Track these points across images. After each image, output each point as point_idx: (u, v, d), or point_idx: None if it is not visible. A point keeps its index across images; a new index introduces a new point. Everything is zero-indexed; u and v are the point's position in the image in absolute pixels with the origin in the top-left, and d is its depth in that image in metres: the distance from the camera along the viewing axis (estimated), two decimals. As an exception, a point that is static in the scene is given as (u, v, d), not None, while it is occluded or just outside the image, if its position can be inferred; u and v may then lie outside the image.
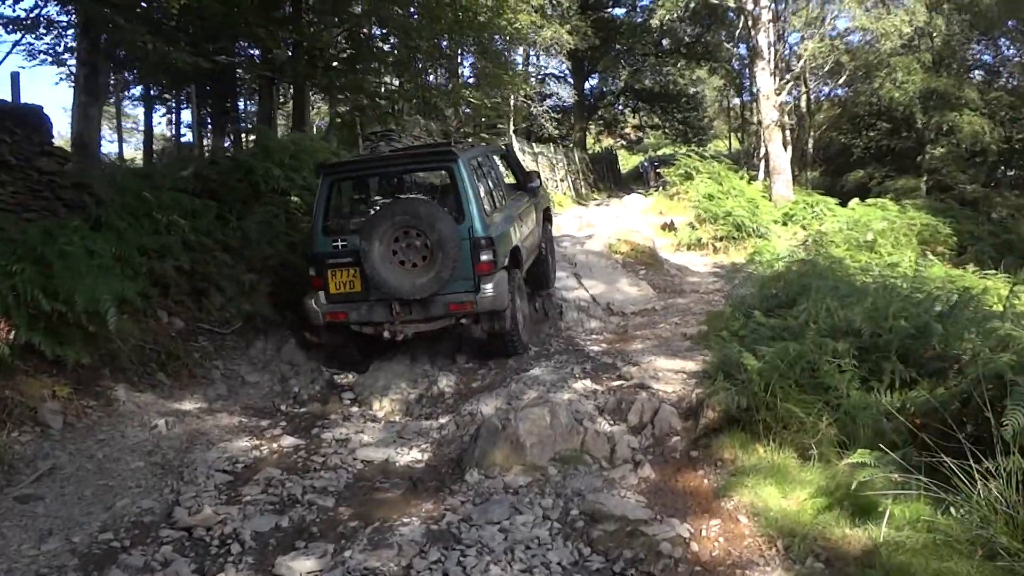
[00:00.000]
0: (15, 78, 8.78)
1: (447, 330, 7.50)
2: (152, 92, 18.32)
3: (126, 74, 18.08)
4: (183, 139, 20.55)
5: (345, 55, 17.20)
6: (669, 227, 15.42)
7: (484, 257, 6.91)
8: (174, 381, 6.55)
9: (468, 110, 21.93)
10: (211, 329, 7.46)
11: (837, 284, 6.42)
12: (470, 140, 15.95)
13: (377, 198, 8.35)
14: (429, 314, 7.05)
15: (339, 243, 7.13)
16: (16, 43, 14.38)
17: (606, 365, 7.00)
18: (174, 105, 18.28)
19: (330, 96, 18.03)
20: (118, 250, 6.30)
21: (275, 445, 5.59)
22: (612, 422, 5.48)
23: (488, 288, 6.91)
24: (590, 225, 15.60)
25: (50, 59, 14.23)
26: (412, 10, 16.89)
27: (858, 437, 4.33)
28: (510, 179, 9.80)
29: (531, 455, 4.89)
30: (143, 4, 11.67)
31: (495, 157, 9.21)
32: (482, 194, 7.41)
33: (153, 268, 6.93)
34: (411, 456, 5.44)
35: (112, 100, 23.05)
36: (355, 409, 6.66)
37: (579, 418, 5.37)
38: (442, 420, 6.19)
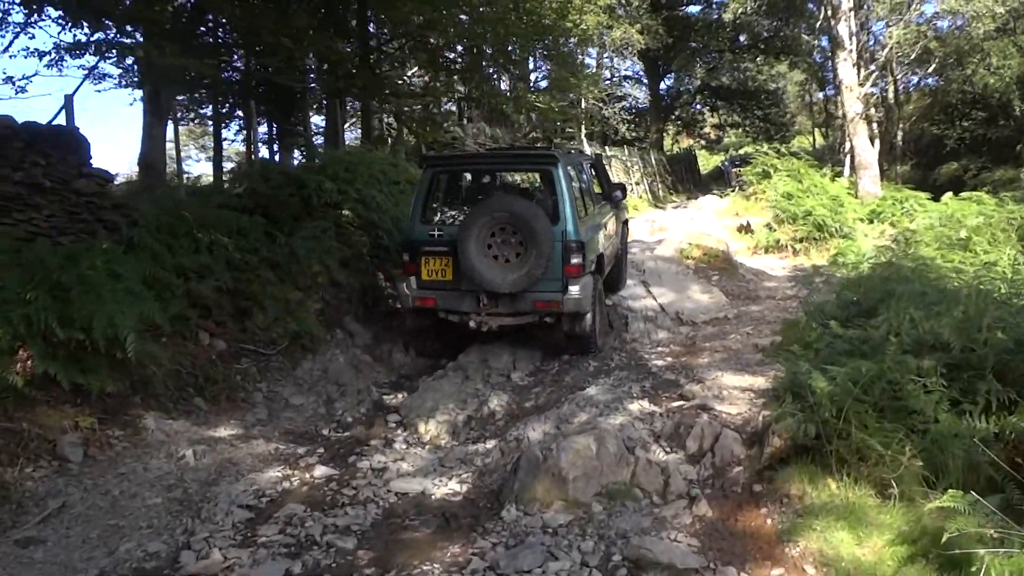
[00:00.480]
0: (67, 101, 8.79)
1: (507, 340, 7.78)
2: (222, 110, 18.49)
3: (196, 93, 18.34)
4: (258, 155, 20.88)
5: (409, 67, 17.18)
6: (745, 229, 14.69)
7: (574, 260, 7.15)
8: (212, 406, 6.30)
9: (536, 115, 21.52)
10: (255, 350, 7.21)
11: (924, 289, 5.74)
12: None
13: (476, 192, 8.59)
14: (516, 309, 7.30)
15: (435, 232, 7.49)
16: (90, 70, 14.70)
17: (668, 382, 6.47)
18: (244, 122, 18.35)
19: (396, 112, 17.84)
20: (151, 272, 6.09)
21: (307, 476, 5.25)
22: (668, 449, 4.97)
23: (575, 290, 7.14)
24: (662, 229, 14.99)
25: (117, 82, 14.42)
26: (471, 17, 16.56)
27: (947, 471, 3.74)
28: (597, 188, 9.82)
29: (574, 489, 4.42)
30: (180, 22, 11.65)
31: (587, 165, 9.49)
32: (576, 198, 7.62)
33: (192, 289, 6.71)
34: (449, 487, 5.03)
35: (190, 119, 23.67)
36: (400, 433, 6.29)
37: (631, 446, 4.87)
38: (488, 445, 5.78)
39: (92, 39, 12.08)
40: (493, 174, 9.05)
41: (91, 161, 6.91)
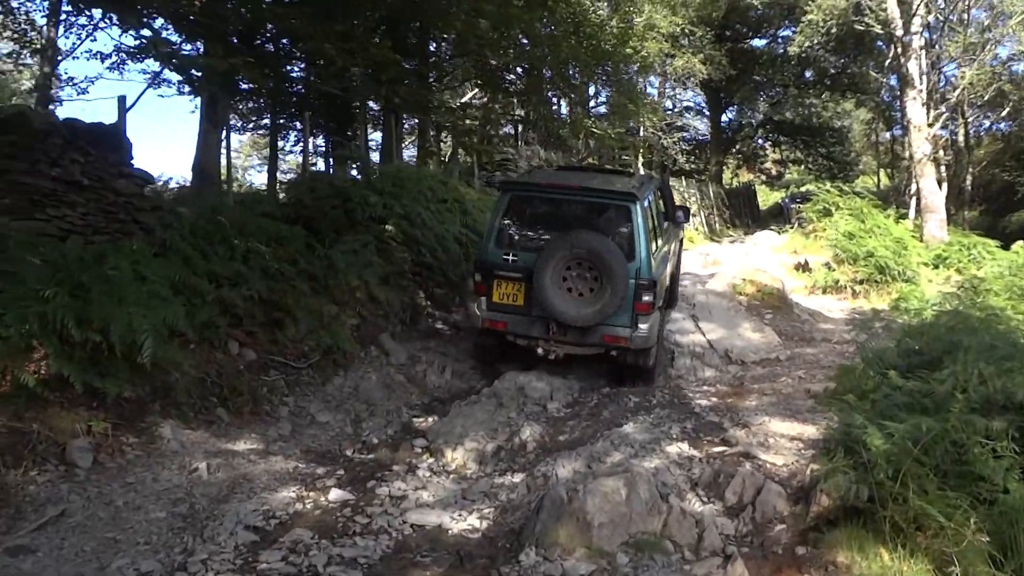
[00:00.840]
0: (121, 102, 8.77)
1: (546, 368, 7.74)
2: (280, 121, 18.58)
3: (254, 103, 18.48)
4: (314, 167, 20.95)
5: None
6: (803, 267, 14.17)
7: (646, 298, 7.21)
8: (234, 418, 6.10)
9: (592, 141, 21.27)
10: (285, 362, 7.01)
11: (994, 342, 5.30)
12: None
13: (552, 219, 8.11)
14: (584, 340, 7.37)
15: (509, 256, 7.52)
16: (155, 76, 14.86)
17: (711, 425, 6.09)
18: (301, 134, 18.40)
19: (453, 129, 17.72)
20: (180, 276, 5.93)
21: (321, 498, 5.00)
22: (705, 499, 4.61)
23: (644, 328, 7.24)
24: (716, 263, 14.58)
25: (178, 88, 14.52)
26: (530, 39, 16.44)
27: (1017, 549, 3.33)
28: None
29: (599, 537, 4.08)
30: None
31: (656, 190, 9.26)
32: (650, 233, 7.64)
33: (223, 296, 6.54)
34: (468, 523, 4.72)
35: (249, 129, 23.91)
36: (425, 459, 6.01)
37: (664, 492, 4.52)
38: (515, 478, 5.46)
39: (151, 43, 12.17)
40: (576, 204, 8.34)
41: (132, 161, 6.83)
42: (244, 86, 14.78)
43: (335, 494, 5.06)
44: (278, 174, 21.23)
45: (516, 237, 7.86)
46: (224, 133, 14.50)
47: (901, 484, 3.66)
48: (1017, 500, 3.54)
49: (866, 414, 4.67)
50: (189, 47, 13.10)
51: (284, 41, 14.10)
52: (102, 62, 14.21)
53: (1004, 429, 3.82)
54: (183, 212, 7.54)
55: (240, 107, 17.57)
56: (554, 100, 24.02)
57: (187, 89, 14.50)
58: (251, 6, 11.62)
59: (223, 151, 14.68)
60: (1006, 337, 5.60)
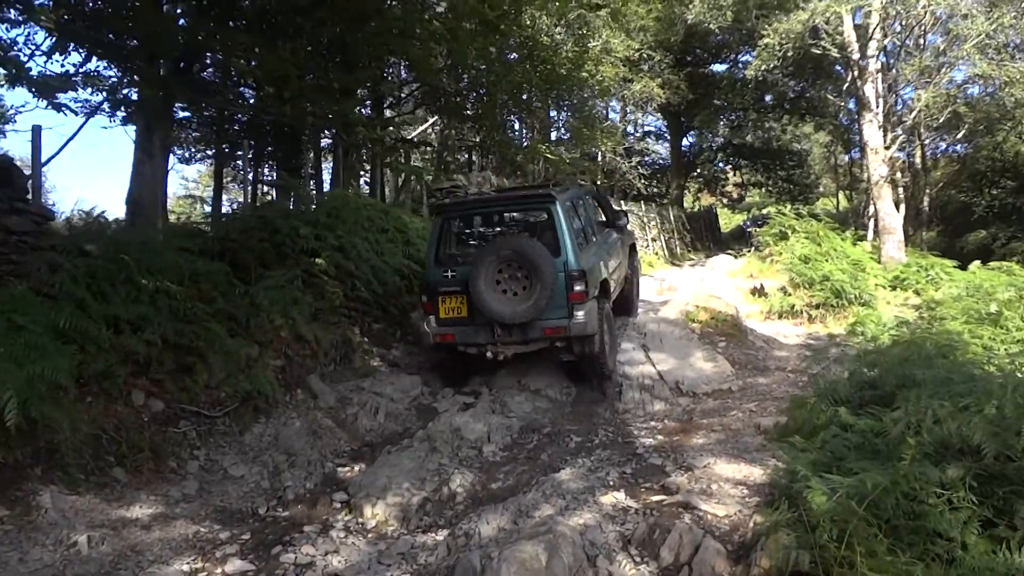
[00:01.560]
0: (36, 132, 8.23)
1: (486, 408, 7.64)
2: (226, 149, 18.06)
3: (199, 132, 17.94)
4: (268, 198, 20.37)
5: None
6: (759, 292, 13.83)
7: (577, 288, 7.68)
8: (132, 477, 5.54)
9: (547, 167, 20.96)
10: (198, 411, 6.45)
11: (950, 375, 4.93)
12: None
13: (483, 232, 9.31)
14: (527, 337, 7.84)
15: (449, 273, 8.02)
16: (92, 113, 14.27)
17: (653, 468, 5.65)
18: (241, 165, 17.88)
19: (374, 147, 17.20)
20: (71, 322, 5.39)
21: (217, 571, 4.47)
22: (638, 558, 4.14)
23: (580, 315, 7.66)
24: (671, 289, 14.22)
25: (110, 117, 13.93)
26: (482, 62, 16.13)
27: (979, 619, 2.91)
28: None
29: (514, 612, 3.61)
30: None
31: (588, 197, 10.11)
32: (576, 231, 8.25)
33: (124, 342, 5.99)
34: (377, 594, 4.23)
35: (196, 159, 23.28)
36: (343, 516, 5.50)
37: (592, 554, 4.07)
38: (439, 536, 4.98)
39: (81, 71, 11.67)
40: (502, 215, 9.60)
41: (28, 196, 6.31)
42: (180, 114, 14.31)
43: (234, 565, 4.54)
44: (233, 206, 20.72)
45: (453, 254, 8.45)
46: (165, 163, 13.99)
47: (847, 547, 3.23)
48: (976, 558, 3.14)
49: (814, 456, 4.27)
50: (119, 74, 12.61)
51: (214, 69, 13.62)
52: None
53: (960, 477, 3.43)
54: (90, 250, 7.00)
55: (181, 136, 16.96)
56: (514, 125, 23.78)
57: (115, 118, 13.89)
58: (185, 33, 11.17)
59: (162, 182, 14.17)
60: (962, 369, 5.23)
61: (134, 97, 12.66)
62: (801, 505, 3.56)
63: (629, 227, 11.98)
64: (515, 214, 9.69)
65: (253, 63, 11.68)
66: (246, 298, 7.41)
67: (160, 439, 5.96)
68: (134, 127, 13.63)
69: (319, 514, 5.53)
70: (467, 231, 9.29)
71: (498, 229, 9.14)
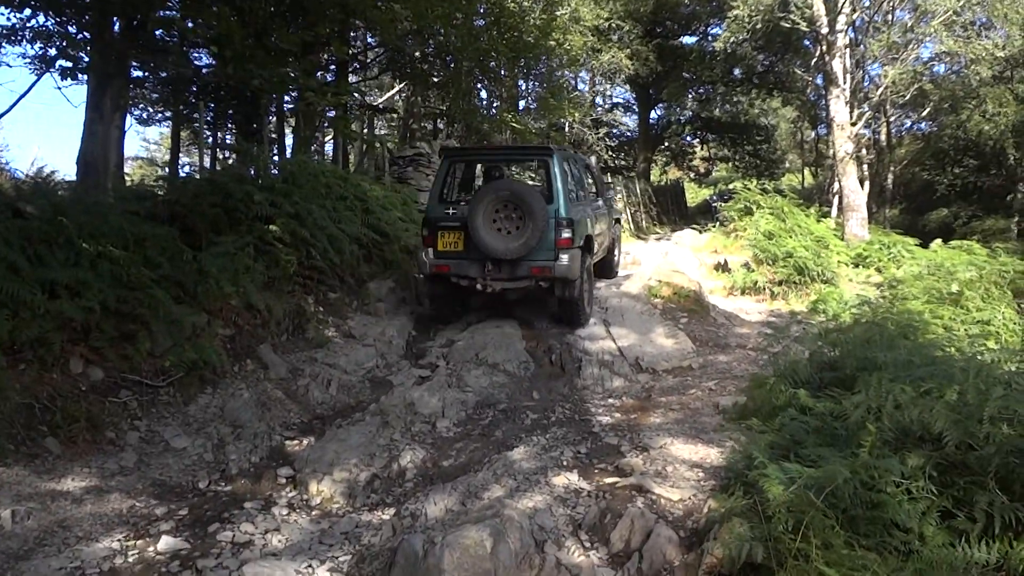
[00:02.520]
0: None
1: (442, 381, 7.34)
2: (184, 112, 17.52)
3: (157, 92, 17.38)
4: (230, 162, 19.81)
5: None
6: (722, 268, 13.76)
7: (564, 234, 8.53)
8: (66, 448, 5.29)
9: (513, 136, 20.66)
10: (141, 381, 6.20)
11: (911, 358, 4.83)
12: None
13: (485, 181, 9.99)
14: (515, 274, 8.58)
15: (450, 211, 8.83)
16: (44, 70, 13.68)
17: (608, 448, 5.53)
18: (199, 126, 17.39)
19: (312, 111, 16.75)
20: (1, 287, 5.11)
21: (149, 549, 4.26)
22: (588, 544, 4.00)
23: (564, 259, 8.48)
24: (636, 263, 14.09)
25: (60, 74, 13.38)
26: (448, 29, 15.75)
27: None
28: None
29: (456, 601, 3.45)
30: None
31: (582, 165, 11.12)
32: (568, 187, 9.06)
33: (62, 308, 5.70)
34: (316, 576, 4.05)
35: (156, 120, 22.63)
36: (287, 492, 5.31)
37: (541, 539, 3.92)
38: (385, 515, 4.81)
39: (29, 24, 11.16)
40: (504, 164, 10.62)
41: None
42: (135, 73, 13.81)
43: (166, 542, 4.32)
44: (189, 170, 20.14)
45: (456, 194, 9.66)
46: (121, 123, 13.50)
47: (802, 538, 3.11)
48: (934, 551, 3.04)
49: (772, 439, 4.16)
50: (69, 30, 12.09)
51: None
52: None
53: (920, 466, 3.33)
54: (29, 211, 6.67)
55: (137, 95, 16.40)
56: (481, 93, 23.42)
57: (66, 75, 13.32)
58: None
59: (117, 143, 13.69)
60: (924, 351, 5.14)
61: (84, 55, 12.18)
62: (756, 493, 3.44)
63: (614, 201, 13.33)
64: (514, 167, 10.84)
65: (196, 21, 11.23)
66: (195, 264, 7.13)
67: (98, 409, 5.72)
68: (85, 86, 13.15)
69: (263, 489, 5.34)
70: (471, 175, 10.81)
71: (497, 175, 9.74)
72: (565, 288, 8.69)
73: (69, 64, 11.75)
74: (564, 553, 3.86)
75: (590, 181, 11.37)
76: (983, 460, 3.33)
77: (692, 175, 48.02)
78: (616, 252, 12.50)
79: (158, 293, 6.38)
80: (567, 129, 24.35)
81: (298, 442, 6.25)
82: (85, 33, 11.38)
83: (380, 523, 4.65)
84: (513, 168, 9.76)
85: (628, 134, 38.60)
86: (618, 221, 13.23)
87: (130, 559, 4.14)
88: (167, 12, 11.07)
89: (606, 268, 11.82)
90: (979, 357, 5.10)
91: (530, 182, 10.30)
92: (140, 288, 6.38)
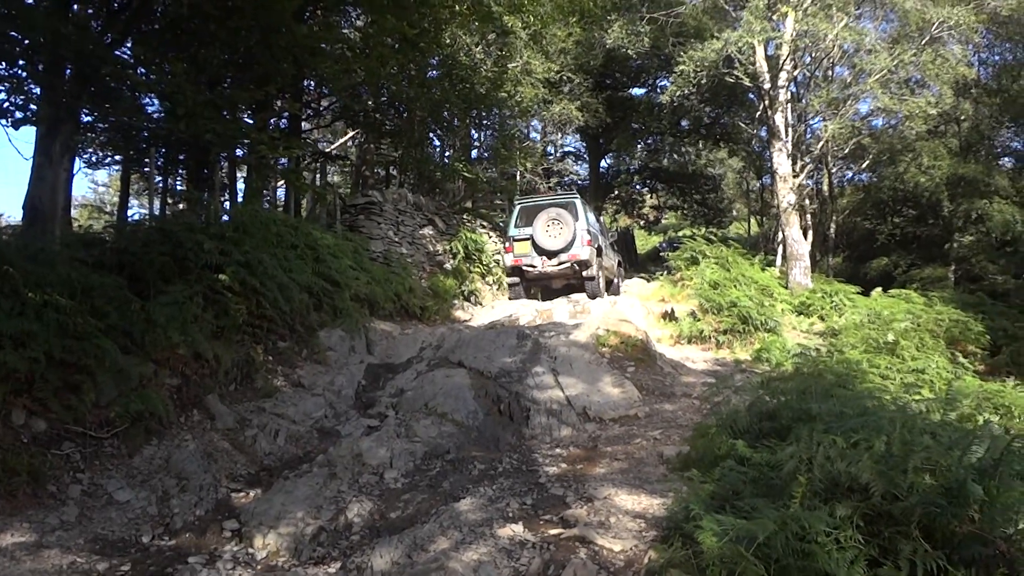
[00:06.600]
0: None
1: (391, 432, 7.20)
2: (134, 156, 17.39)
3: (106, 137, 17.24)
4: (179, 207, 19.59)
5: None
6: (669, 316, 14.00)
7: (587, 237, 15.44)
8: (6, 503, 5.20)
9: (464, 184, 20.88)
10: (85, 432, 6.13)
11: (844, 409, 5.02)
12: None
13: (536, 214, 15.90)
14: (560, 260, 15.38)
15: (522, 230, 15.79)
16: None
17: (554, 499, 5.61)
18: (150, 172, 17.25)
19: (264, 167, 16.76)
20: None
21: (89, 608, 4.22)
22: (532, 596, 4.07)
23: (586, 251, 15.35)
24: (584, 311, 14.23)
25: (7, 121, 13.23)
26: (401, 78, 16.03)
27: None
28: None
29: (399, 656, 3.49)
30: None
31: (596, 211, 19.39)
32: (587, 216, 16.08)
33: (5, 359, 5.64)
34: (259, 635, 4.04)
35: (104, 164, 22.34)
36: (231, 547, 5.27)
37: (484, 592, 3.97)
38: (331, 569, 4.82)
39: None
40: (547, 206, 16.03)
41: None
42: (86, 119, 13.71)
43: (107, 600, 4.28)
44: (137, 217, 19.88)
45: (522, 221, 15.94)
46: (69, 167, 13.37)
47: (736, 587, 3.22)
48: (862, 600, 3.17)
49: (712, 489, 4.28)
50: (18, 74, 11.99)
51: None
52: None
53: (848, 516, 3.47)
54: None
55: (87, 139, 16.24)
56: (434, 142, 23.63)
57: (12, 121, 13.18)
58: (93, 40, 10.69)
59: (64, 187, 13.53)
60: (856, 402, 5.35)
61: (32, 101, 12.10)
62: (693, 544, 3.55)
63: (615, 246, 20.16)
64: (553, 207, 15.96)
65: (150, 76, 11.26)
66: (143, 313, 7.09)
67: (40, 462, 5.63)
68: (35, 129, 13.03)
69: (207, 543, 5.30)
70: (528, 212, 16.04)
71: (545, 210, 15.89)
72: (583, 268, 15.27)
73: (20, 114, 11.65)
74: (508, 606, 3.91)
75: (601, 225, 18.75)
76: (907, 510, 3.49)
77: (642, 223, 48.74)
78: (617, 280, 18.52)
79: (105, 343, 6.34)
80: (518, 177, 24.62)
81: (244, 494, 6.22)
82: (35, 86, 11.30)
83: (326, 578, 4.66)
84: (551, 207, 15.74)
85: (579, 182, 39.12)
86: (621, 263, 20.05)
87: (69, 618, 4.09)
88: (120, 65, 11.05)
89: (612, 288, 17.71)
90: (909, 407, 5.33)
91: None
92: (86, 338, 6.32)
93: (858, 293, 17.36)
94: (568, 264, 15.14)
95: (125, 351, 6.75)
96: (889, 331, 10.85)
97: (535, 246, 15.31)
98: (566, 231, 15.05)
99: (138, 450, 6.43)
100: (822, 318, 15.58)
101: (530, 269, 15.44)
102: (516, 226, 15.80)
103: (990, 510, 3.43)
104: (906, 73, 21.00)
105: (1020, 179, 28.18)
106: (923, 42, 20.38)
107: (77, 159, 16.45)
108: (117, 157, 20.20)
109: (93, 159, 20.47)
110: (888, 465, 3.72)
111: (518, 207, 16.25)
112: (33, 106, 12.07)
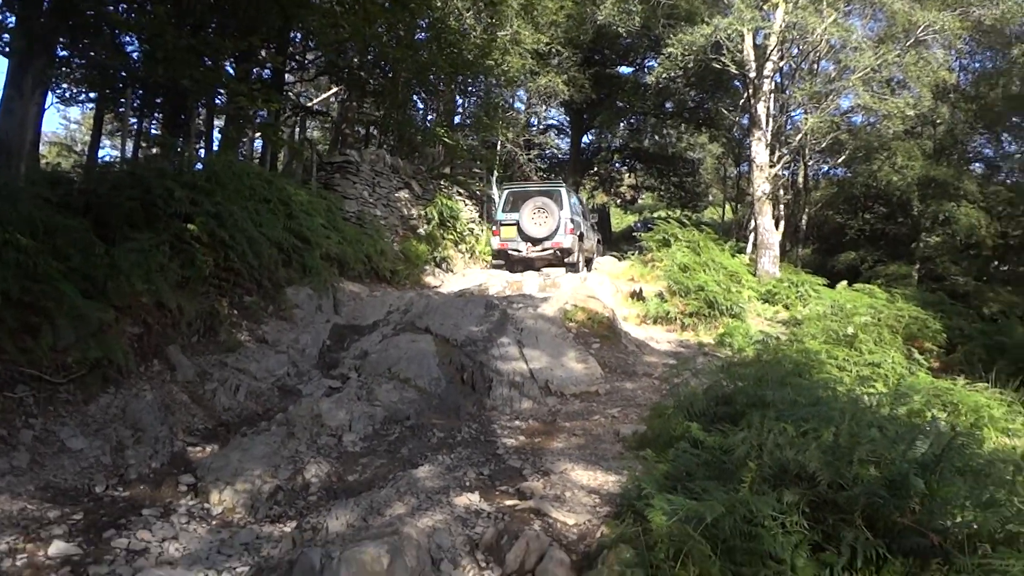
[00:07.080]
0: None
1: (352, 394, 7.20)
2: (108, 94, 17.03)
3: (82, 73, 16.85)
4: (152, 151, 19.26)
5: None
6: (637, 296, 14.11)
7: (570, 225, 16.16)
8: (-46, 444, 5.17)
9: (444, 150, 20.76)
10: (40, 376, 6.06)
11: (797, 397, 5.13)
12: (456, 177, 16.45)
13: (523, 199, 16.65)
14: (544, 246, 16.06)
15: (509, 215, 16.51)
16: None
17: (511, 470, 5.67)
18: (124, 113, 16.93)
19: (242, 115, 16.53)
20: None
21: (39, 553, 4.19)
22: (484, 563, 4.12)
23: (568, 239, 16.09)
24: (554, 285, 14.30)
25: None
26: (390, 39, 15.86)
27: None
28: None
29: (349, 614, 3.53)
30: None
31: (578, 198, 19.49)
32: (572, 204, 16.76)
33: (-41, 296, 5.56)
34: (210, 589, 4.06)
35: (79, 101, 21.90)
36: (187, 501, 5.27)
37: (438, 557, 4.03)
38: (287, 527, 4.85)
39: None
40: (534, 192, 16.87)
41: None
42: (61, 52, 13.43)
43: (57, 547, 4.26)
44: (107, 158, 19.53)
45: (510, 206, 16.63)
46: (41, 102, 13.10)
47: (682, 565, 3.30)
48: (802, 582, 3.26)
49: (665, 469, 4.37)
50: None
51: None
52: None
53: (795, 503, 3.56)
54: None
55: (61, 74, 15.85)
56: (418, 105, 23.44)
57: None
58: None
59: (34, 123, 13.27)
60: (810, 391, 5.46)
61: (5, 30, 11.85)
62: (643, 522, 3.62)
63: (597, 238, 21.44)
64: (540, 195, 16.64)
65: (132, 16, 11.04)
66: (107, 259, 6.98)
67: (-9, 404, 5.57)
68: (7, 61, 12.74)
69: (162, 496, 5.29)
70: (516, 197, 16.80)
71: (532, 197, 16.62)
72: (565, 254, 16.17)
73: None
74: (460, 572, 3.98)
75: (583, 209, 19.10)
76: (851, 500, 3.59)
77: (619, 201, 48.84)
78: (594, 258, 19.35)
79: (65, 286, 6.25)
80: (499, 147, 24.52)
81: (201, 449, 6.20)
82: (10, 15, 11.04)
83: (281, 535, 4.69)
84: (538, 196, 16.46)
85: (560, 156, 39.04)
86: (599, 241, 21.77)
87: (18, 563, 4.07)
88: (101, 1, 10.81)
89: (589, 264, 18.45)
90: (861, 400, 5.45)
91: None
92: (46, 280, 6.22)
93: (824, 285, 17.64)
94: (551, 251, 15.95)
95: (86, 296, 6.62)
96: (850, 324, 11.02)
97: (521, 232, 15.98)
98: (551, 220, 15.82)
99: (94, 398, 6.33)
100: (787, 307, 15.80)
101: (515, 253, 16.19)
102: (504, 211, 16.46)
103: (930, 503, 3.54)
104: (889, 73, 21.21)
105: (988, 185, 28.68)
106: (908, 44, 20.58)
107: (50, 94, 16.09)
108: (92, 95, 19.75)
109: (66, 95, 19.98)
110: (835, 455, 3.82)
111: (507, 192, 16.95)
112: (6, 35, 11.83)
